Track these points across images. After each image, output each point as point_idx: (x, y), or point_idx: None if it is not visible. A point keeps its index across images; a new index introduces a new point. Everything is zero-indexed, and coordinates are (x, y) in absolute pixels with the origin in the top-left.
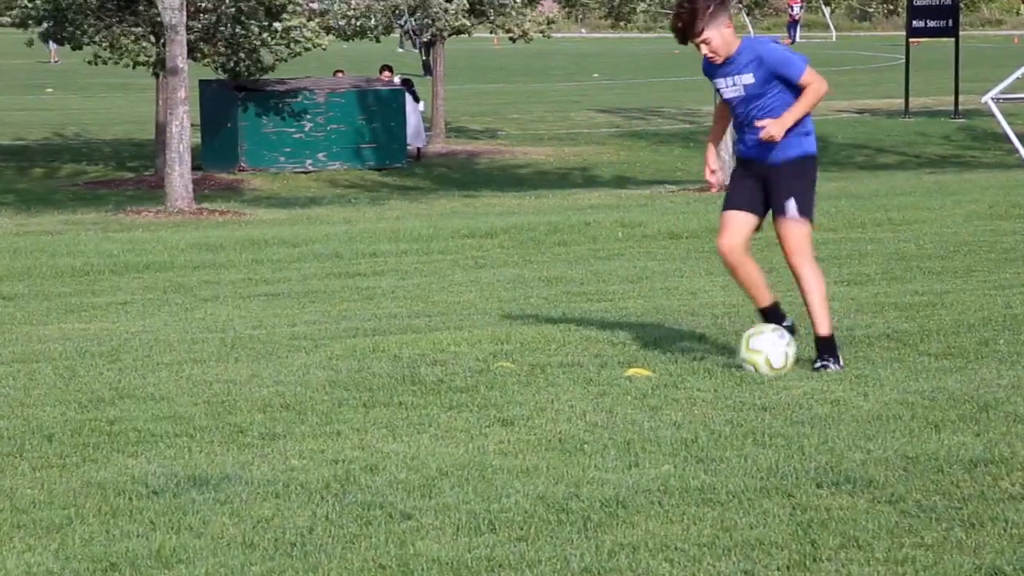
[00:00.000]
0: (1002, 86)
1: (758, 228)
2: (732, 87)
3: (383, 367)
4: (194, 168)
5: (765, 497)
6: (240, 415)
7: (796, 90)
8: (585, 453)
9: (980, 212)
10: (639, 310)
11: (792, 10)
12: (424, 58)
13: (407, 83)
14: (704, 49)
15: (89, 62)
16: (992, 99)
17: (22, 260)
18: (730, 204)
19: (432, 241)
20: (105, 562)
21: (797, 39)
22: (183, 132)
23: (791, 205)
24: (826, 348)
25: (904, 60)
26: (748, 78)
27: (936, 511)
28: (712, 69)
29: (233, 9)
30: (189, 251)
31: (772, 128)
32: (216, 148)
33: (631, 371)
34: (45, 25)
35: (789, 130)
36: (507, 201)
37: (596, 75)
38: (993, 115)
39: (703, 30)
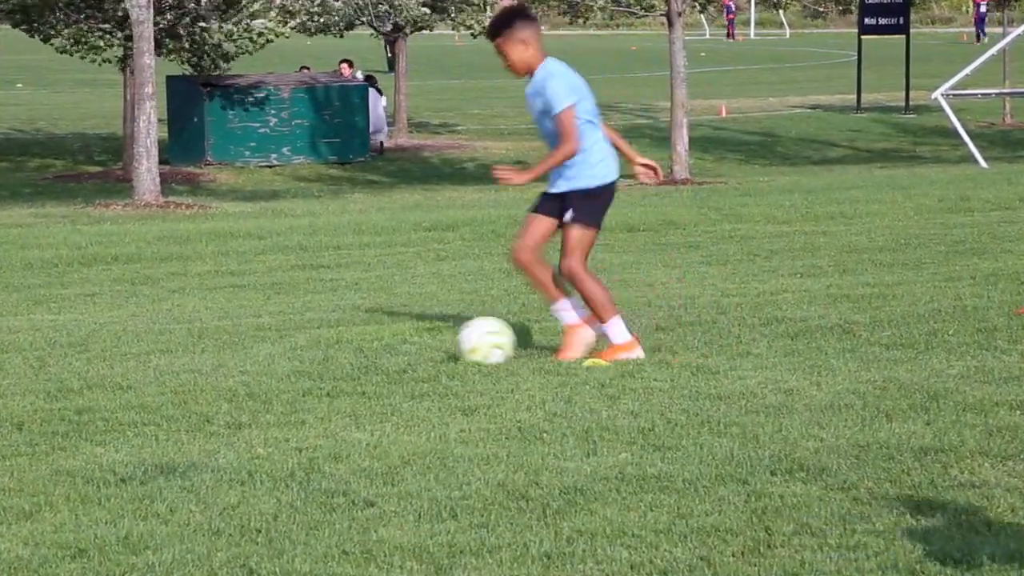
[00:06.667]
0: (952, 82)
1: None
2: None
3: (347, 357)
4: (161, 162)
5: (720, 485)
6: (206, 404)
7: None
8: (544, 441)
9: (930, 206)
10: None
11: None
12: (389, 55)
13: (370, 79)
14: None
15: (59, 51)
16: (942, 95)
17: None
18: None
19: (394, 234)
20: (74, 548)
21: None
22: (150, 127)
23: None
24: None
25: (856, 56)
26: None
27: (887, 498)
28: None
29: (193, 4)
30: (156, 243)
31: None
32: (183, 142)
33: (590, 361)
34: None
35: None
36: (467, 195)
37: None
38: (943, 111)
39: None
